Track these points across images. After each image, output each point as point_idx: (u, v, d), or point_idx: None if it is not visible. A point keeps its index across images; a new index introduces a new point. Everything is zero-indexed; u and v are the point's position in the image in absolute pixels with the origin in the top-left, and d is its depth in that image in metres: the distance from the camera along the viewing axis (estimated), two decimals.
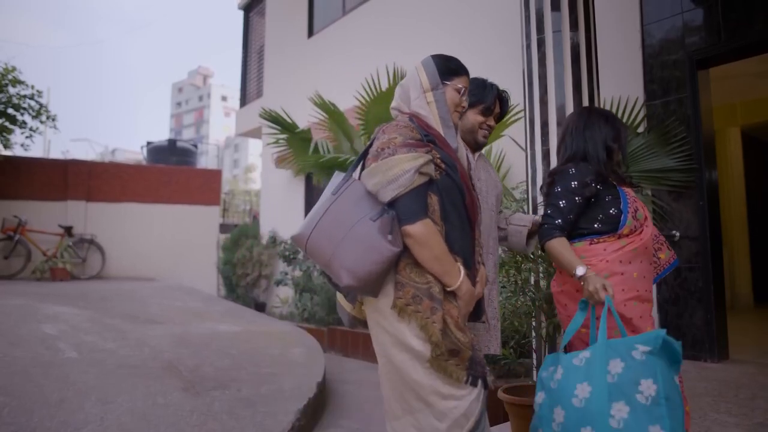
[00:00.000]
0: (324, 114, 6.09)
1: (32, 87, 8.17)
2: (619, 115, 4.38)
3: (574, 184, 1.97)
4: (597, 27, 3.04)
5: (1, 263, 8.44)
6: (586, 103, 2.85)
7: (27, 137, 8.32)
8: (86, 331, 4.13)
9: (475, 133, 2.15)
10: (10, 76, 7.87)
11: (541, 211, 2.88)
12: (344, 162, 5.40)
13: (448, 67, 1.77)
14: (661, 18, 4.28)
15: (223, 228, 11.93)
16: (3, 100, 7.86)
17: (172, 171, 10.39)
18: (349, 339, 5.82)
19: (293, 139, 6.22)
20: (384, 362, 1.61)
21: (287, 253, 7.12)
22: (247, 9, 11.60)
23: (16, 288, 6.79)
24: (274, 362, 3.78)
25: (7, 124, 7.95)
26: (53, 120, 8.55)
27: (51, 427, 2.39)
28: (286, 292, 8.13)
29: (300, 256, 7.22)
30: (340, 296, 1.77)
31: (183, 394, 2.93)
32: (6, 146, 8.24)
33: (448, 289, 1.57)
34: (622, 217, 1.95)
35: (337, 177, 1.71)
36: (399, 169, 1.53)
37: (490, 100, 2.16)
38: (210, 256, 10.21)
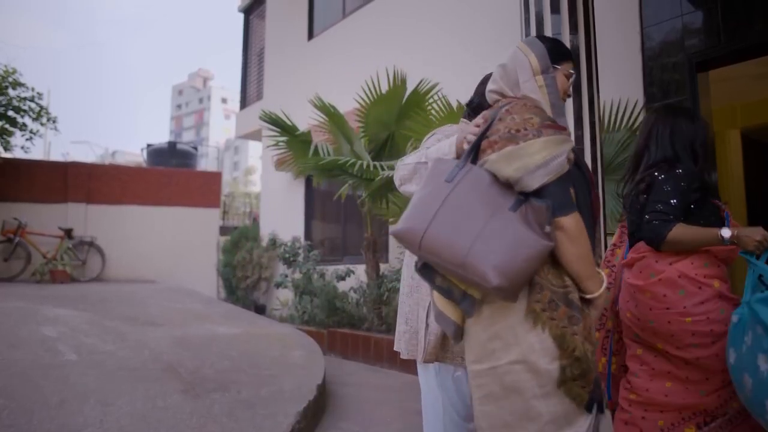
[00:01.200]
0: (324, 116, 6.09)
1: (32, 89, 8.17)
2: (619, 117, 4.38)
3: (683, 184, 1.92)
4: (597, 29, 3.04)
5: (0, 265, 8.43)
6: (585, 105, 2.85)
7: (27, 139, 8.33)
8: (86, 333, 4.13)
9: None
10: (10, 78, 7.87)
11: None
12: (344, 164, 5.40)
13: (558, 50, 1.63)
14: (661, 20, 4.29)
15: (223, 230, 11.92)
16: (3, 102, 7.87)
17: (172, 173, 10.39)
18: (349, 341, 5.81)
19: (293, 142, 6.23)
20: (488, 382, 1.41)
21: (287, 256, 7.11)
22: (248, 11, 11.62)
23: (16, 290, 6.79)
24: (274, 364, 3.78)
25: (7, 126, 7.95)
26: (54, 122, 8.55)
27: (50, 429, 2.39)
28: (286, 295, 8.13)
29: (300, 258, 7.22)
30: (443, 303, 1.52)
31: (183, 396, 2.92)
32: (6, 148, 8.25)
33: (587, 296, 1.40)
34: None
35: (443, 163, 1.52)
36: (548, 153, 1.36)
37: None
38: (210, 259, 10.21)
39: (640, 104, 4.34)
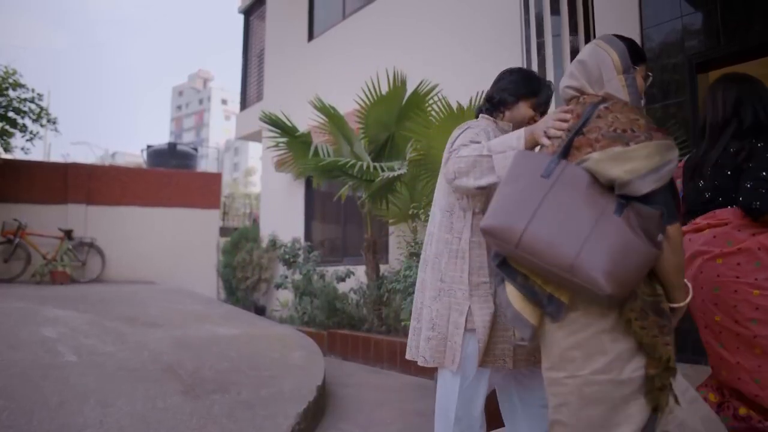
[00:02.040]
0: (324, 117, 6.10)
1: (33, 90, 8.18)
2: None
3: None
4: (596, 31, 3.05)
5: (0, 266, 8.44)
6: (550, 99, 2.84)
7: (27, 140, 8.33)
8: (86, 334, 4.13)
9: (524, 126, 2.01)
10: (10, 80, 7.88)
11: None
12: (344, 165, 5.41)
13: (636, 51, 1.60)
14: (661, 22, 4.29)
15: (223, 231, 11.92)
16: (3, 103, 7.87)
17: (172, 174, 10.40)
18: (349, 342, 5.81)
19: (293, 143, 6.23)
20: (565, 391, 1.39)
21: (287, 257, 7.11)
22: (248, 13, 11.63)
23: (16, 291, 6.78)
24: (274, 365, 3.78)
25: (7, 127, 7.96)
26: (54, 123, 8.55)
27: (50, 430, 2.39)
28: (285, 296, 8.13)
29: (300, 259, 7.21)
30: (521, 305, 1.46)
31: (182, 397, 2.92)
32: (6, 149, 8.25)
33: (674, 305, 1.39)
34: None
35: (530, 157, 1.48)
36: (660, 159, 1.31)
37: (544, 97, 2.02)
38: (210, 259, 10.21)
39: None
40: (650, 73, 1.64)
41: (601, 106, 1.46)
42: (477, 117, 2.09)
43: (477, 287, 1.83)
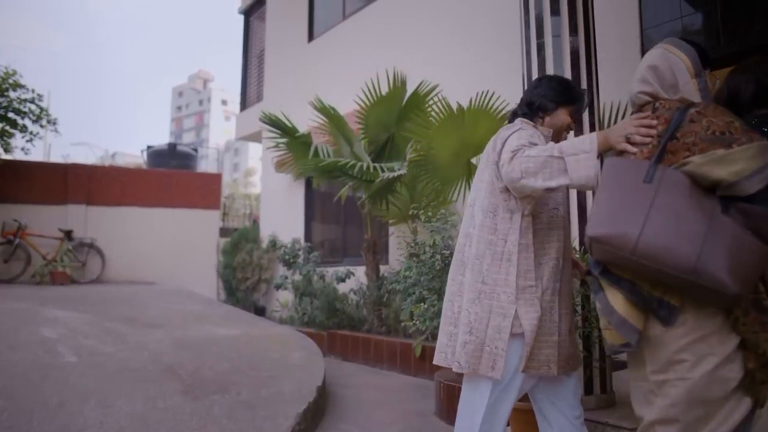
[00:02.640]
0: (324, 118, 6.10)
1: (33, 91, 8.18)
2: (619, 119, 4.39)
3: None
4: (596, 31, 3.05)
5: (0, 267, 8.43)
6: (585, 107, 2.85)
7: (27, 141, 8.33)
8: (86, 334, 4.13)
9: (560, 133, 2.02)
10: (10, 80, 7.88)
11: None
12: (344, 166, 5.41)
13: (705, 55, 1.62)
14: (661, 22, 4.30)
15: (223, 232, 11.91)
16: (4, 104, 7.87)
17: (172, 175, 10.40)
18: (349, 343, 5.81)
19: (293, 143, 6.24)
20: (672, 393, 1.42)
21: (287, 257, 7.11)
22: (248, 13, 11.63)
23: (16, 292, 6.78)
24: (274, 366, 3.78)
25: (7, 128, 7.96)
26: (54, 124, 8.56)
27: (50, 431, 2.39)
28: (285, 296, 8.13)
29: (300, 260, 7.22)
30: (627, 310, 1.47)
31: (182, 397, 2.92)
32: (6, 150, 8.25)
33: None
34: None
35: (625, 163, 1.51)
36: (763, 159, 1.33)
37: (581, 103, 2.07)
38: (210, 260, 10.21)
39: None
40: (717, 78, 1.65)
41: (692, 110, 1.48)
42: (511, 121, 2.07)
43: (523, 291, 1.80)
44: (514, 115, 2.08)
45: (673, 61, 1.58)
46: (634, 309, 1.46)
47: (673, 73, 1.57)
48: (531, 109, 2.01)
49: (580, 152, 1.66)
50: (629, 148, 1.59)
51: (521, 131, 1.85)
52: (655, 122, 1.54)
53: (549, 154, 1.68)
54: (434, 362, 1.93)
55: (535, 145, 1.78)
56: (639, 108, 1.66)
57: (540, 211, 1.88)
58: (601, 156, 1.68)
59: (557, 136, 2.00)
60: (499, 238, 1.84)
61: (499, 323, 1.78)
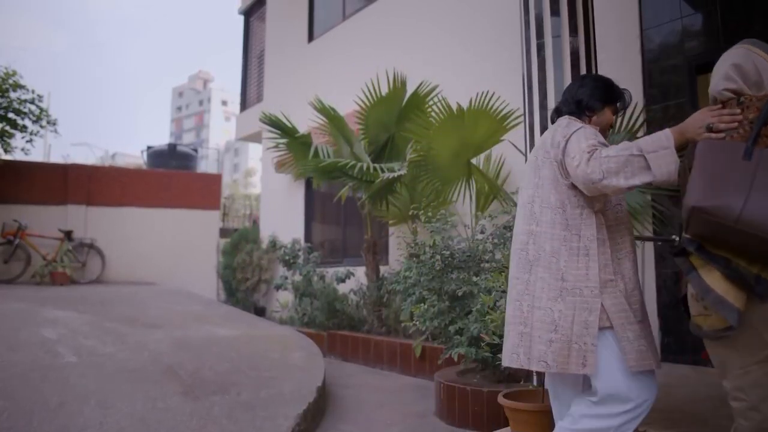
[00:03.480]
0: (324, 118, 6.10)
1: (33, 91, 8.18)
2: (619, 119, 4.38)
3: None
4: (596, 32, 3.05)
5: (0, 267, 8.43)
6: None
7: (27, 141, 8.33)
8: (85, 335, 4.13)
9: (606, 131, 2.08)
10: (10, 80, 7.88)
11: None
12: (344, 166, 5.41)
13: None
14: (661, 23, 4.30)
15: (223, 232, 11.91)
16: (4, 104, 7.87)
17: (172, 175, 10.40)
18: (349, 343, 5.81)
19: (293, 144, 6.24)
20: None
21: (287, 258, 7.11)
22: (248, 14, 11.64)
23: (16, 292, 6.78)
24: (274, 366, 3.77)
25: (7, 128, 7.96)
26: (54, 124, 8.56)
27: (50, 431, 2.39)
28: (285, 297, 8.13)
29: (300, 260, 7.21)
30: (725, 288, 1.50)
31: (182, 398, 2.92)
32: (6, 150, 8.25)
33: None
34: None
35: (718, 145, 1.60)
36: None
37: (624, 102, 2.12)
38: (210, 260, 10.21)
39: (640, 106, 4.34)
40: None
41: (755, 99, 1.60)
42: (554, 120, 2.11)
43: (605, 284, 1.82)
44: (557, 113, 2.11)
45: (757, 60, 1.67)
46: (732, 286, 1.49)
47: (758, 71, 1.65)
48: (579, 107, 2.04)
49: (659, 149, 1.70)
50: (712, 136, 1.65)
51: (584, 130, 1.87)
52: (738, 110, 1.63)
53: (629, 153, 1.72)
54: (505, 364, 1.90)
55: (604, 144, 1.82)
56: (722, 104, 1.73)
57: (606, 208, 1.91)
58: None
59: (603, 135, 2.03)
60: (572, 234, 1.85)
61: (586, 318, 1.79)
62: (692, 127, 1.72)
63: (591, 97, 2.03)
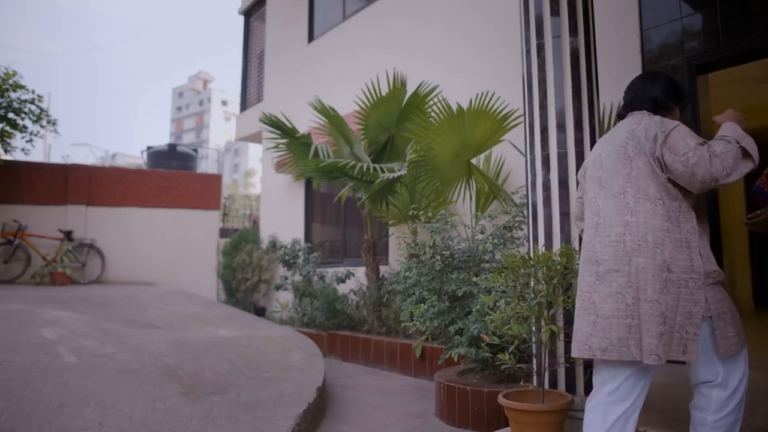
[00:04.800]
0: (324, 119, 6.10)
1: (33, 92, 8.19)
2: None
3: None
4: (596, 32, 3.05)
5: (0, 268, 8.44)
6: (585, 108, 2.85)
7: (27, 141, 8.34)
8: (85, 335, 4.13)
9: None
10: (10, 81, 7.89)
11: (540, 216, 2.88)
12: (344, 166, 5.40)
13: None
14: (660, 23, 4.29)
15: (223, 232, 11.92)
16: (4, 104, 7.88)
17: (173, 175, 10.40)
18: (349, 343, 5.80)
19: (293, 144, 6.23)
20: None
21: (287, 258, 7.11)
22: (248, 14, 11.64)
23: (16, 292, 6.78)
24: (274, 367, 3.77)
25: (7, 128, 7.97)
26: (54, 125, 8.56)
27: None
28: (285, 297, 8.13)
29: (300, 260, 7.21)
30: None
31: (182, 399, 2.92)
32: (6, 151, 8.26)
33: None
34: None
35: None
36: None
37: (685, 102, 2.22)
38: (210, 261, 10.21)
39: None
40: None
41: None
42: (622, 116, 2.18)
43: (708, 275, 1.86)
44: (627, 109, 2.16)
45: None
46: None
47: None
48: (654, 105, 2.09)
49: (742, 137, 1.84)
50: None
51: (682, 127, 1.93)
52: None
53: (733, 146, 1.83)
54: (618, 358, 1.88)
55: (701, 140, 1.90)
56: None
57: (692, 201, 1.96)
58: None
59: None
60: (674, 225, 1.88)
61: (690, 309, 1.83)
62: (734, 119, 1.93)
63: (666, 97, 2.10)
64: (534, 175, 2.92)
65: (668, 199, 1.90)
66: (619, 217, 1.94)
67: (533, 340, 2.63)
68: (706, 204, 3.92)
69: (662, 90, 2.10)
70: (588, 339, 1.93)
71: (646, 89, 2.12)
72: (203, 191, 10.42)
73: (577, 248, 2.70)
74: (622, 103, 2.22)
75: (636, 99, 2.13)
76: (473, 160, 5.04)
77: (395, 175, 5.08)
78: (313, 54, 8.94)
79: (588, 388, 2.71)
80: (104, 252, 9.25)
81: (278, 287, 6.65)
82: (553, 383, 2.75)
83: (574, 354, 2.00)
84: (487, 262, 4.01)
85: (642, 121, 2.01)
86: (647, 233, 1.87)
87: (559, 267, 2.52)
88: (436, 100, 5.27)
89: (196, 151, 13.64)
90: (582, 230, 2.27)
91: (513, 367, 3.25)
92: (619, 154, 2.00)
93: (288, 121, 6.19)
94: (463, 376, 3.67)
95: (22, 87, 8.03)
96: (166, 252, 9.86)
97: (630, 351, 1.84)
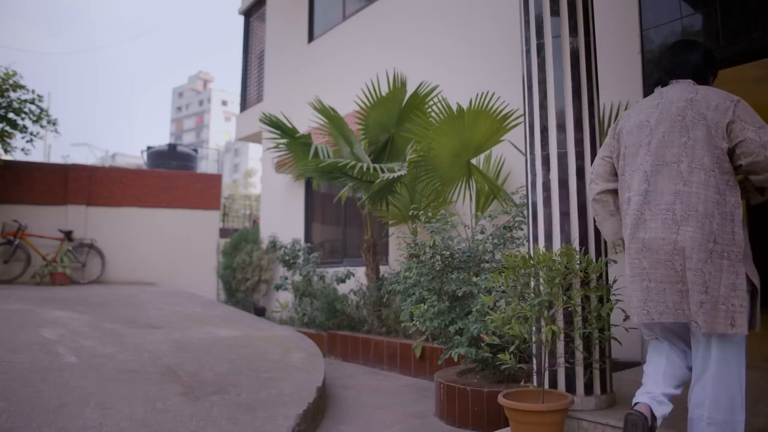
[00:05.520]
0: (324, 119, 6.10)
1: (33, 91, 8.18)
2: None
3: None
4: (596, 32, 3.05)
5: (0, 268, 8.44)
6: (585, 108, 2.85)
7: (27, 141, 8.34)
8: (85, 335, 4.13)
9: None
10: (10, 81, 7.89)
11: (540, 216, 2.88)
12: (344, 166, 5.40)
13: None
14: (660, 23, 4.29)
15: (223, 232, 11.92)
16: (3, 104, 7.88)
17: (173, 175, 10.40)
18: (349, 343, 5.80)
19: (293, 144, 6.23)
20: None
21: (287, 258, 7.11)
22: (248, 14, 11.64)
23: (16, 293, 6.78)
24: (274, 367, 3.77)
25: (7, 128, 7.97)
26: (54, 124, 8.56)
27: None
28: (285, 297, 8.13)
29: (300, 260, 7.22)
30: None
31: (182, 399, 2.92)
32: (6, 151, 8.26)
33: None
34: None
35: None
36: None
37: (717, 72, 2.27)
38: (210, 261, 10.21)
39: None
40: None
41: None
42: (664, 83, 2.17)
43: (746, 248, 1.91)
44: (672, 76, 2.14)
45: None
46: None
47: None
48: (695, 74, 2.11)
49: None
50: None
51: (744, 101, 1.97)
52: None
53: None
54: (674, 320, 1.96)
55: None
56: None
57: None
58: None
59: None
60: (722, 198, 1.90)
61: (733, 281, 1.86)
62: None
63: (706, 66, 2.12)
64: (534, 175, 2.92)
65: (719, 172, 1.91)
66: (671, 185, 1.96)
67: (533, 340, 2.63)
68: None
69: (702, 59, 2.10)
70: (644, 304, 1.99)
71: (685, 57, 2.12)
72: (203, 191, 10.42)
73: (577, 248, 2.70)
74: (661, 71, 2.20)
75: (679, 66, 2.12)
76: (473, 160, 5.04)
77: (395, 175, 5.08)
78: (313, 54, 8.94)
79: (588, 388, 2.71)
80: (104, 252, 9.25)
81: (278, 287, 6.65)
82: (553, 383, 2.75)
83: (633, 321, 2.07)
84: (487, 262, 4.01)
85: (698, 91, 2.00)
86: (698, 203, 1.89)
87: (559, 267, 2.52)
88: (436, 100, 5.27)
89: (196, 151, 13.64)
90: (599, 191, 2.28)
91: (513, 367, 3.25)
92: (675, 122, 1.99)
93: (288, 121, 6.19)
94: (463, 376, 3.67)
95: (22, 87, 8.03)
96: (166, 252, 9.86)
97: (685, 313, 1.92)
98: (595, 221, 2.39)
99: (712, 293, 1.84)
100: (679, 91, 2.06)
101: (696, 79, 2.10)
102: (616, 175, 2.26)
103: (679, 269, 1.91)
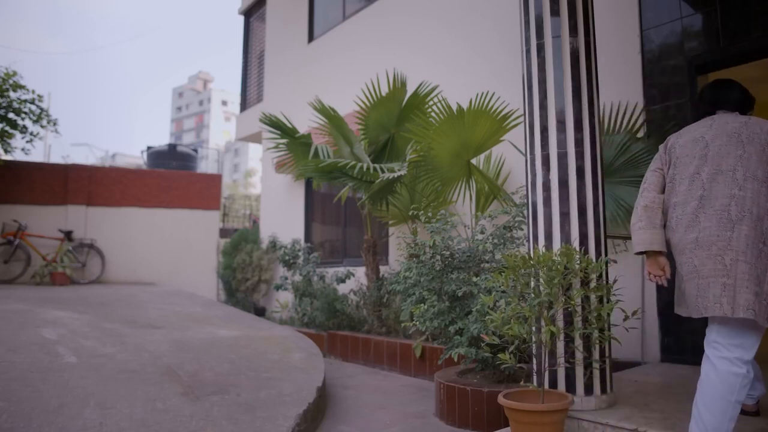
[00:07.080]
0: (324, 119, 6.10)
1: (33, 91, 8.18)
2: (619, 120, 4.39)
3: None
4: (596, 32, 3.05)
5: (0, 268, 8.44)
6: (585, 108, 2.85)
7: (27, 142, 8.34)
8: (85, 335, 4.13)
9: None
10: (10, 81, 7.89)
11: (540, 216, 2.88)
12: (344, 166, 5.40)
13: None
14: (660, 23, 4.29)
15: (223, 233, 11.91)
16: (3, 104, 7.88)
17: (173, 175, 10.40)
18: (349, 343, 5.80)
19: (293, 144, 6.23)
20: None
21: (287, 258, 7.11)
22: (248, 14, 11.64)
23: (16, 293, 6.78)
24: (274, 367, 3.77)
25: (7, 128, 7.96)
26: (54, 124, 8.56)
27: None
28: (285, 297, 8.13)
29: (300, 260, 7.22)
30: None
31: (182, 399, 2.92)
32: (6, 151, 8.26)
33: None
34: None
35: None
36: None
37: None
38: (210, 261, 10.21)
39: (640, 107, 4.34)
40: None
41: None
42: (709, 113, 2.40)
43: None
44: (717, 107, 2.38)
45: None
46: None
47: None
48: (738, 108, 2.37)
49: None
50: None
51: None
52: None
53: None
54: (711, 314, 2.11)
55: None
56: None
57: None
58: None
59: None
60: None
61: None
62: None
63: (746, 103, 2.39)
64: (534, 175, 2.92)
65: None
66: (726, 190, 2.16)
67: (533, 340, 2.62)
68: None
69: (742, 95, 2.39)
70: (696, 300, 2.15)
71: (726, 93, 2.40)
72: (203, 191, 10.42)
73: (577, 247, 2.70)
74: (706, 105, 2.45)
75: (724, 101, 2.39)
76: (473, 160, 5.03)
77: (395, 175, 5.08)
78: (313, 54, 8.94)
79: (588, 388, 2.71)
80: (104, 252, 9.25)
81: (278, 287, 6.65)
82: (553, 383, 2.75)
83: (687, 314, 2.25)
84: (487, 262, 4.01)
85: (750, 118, 2.26)
86: (753, 206, 2.10)
87: (559, 267, 2.52)
88: (436, 100, 5.27)
89: (196, 151, 13.64)
90: (651, 199, 2.42)
91: (513, 367, 3.25)
92: (731, 137, 2.22)
93: (288, 121, 6.19)
94: (463, 376, 3.67)
95: (22, 87, 8.02)
96: (166, 252, 9.86)
97: (722, 307, 2.06)
98: (631, 226, 2.44)
99: (765, 288, 2.03)
100: (731, 117, 2.30)
101: (740, 112, 2.35)
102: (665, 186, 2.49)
103: (728, 264, 2.07)
